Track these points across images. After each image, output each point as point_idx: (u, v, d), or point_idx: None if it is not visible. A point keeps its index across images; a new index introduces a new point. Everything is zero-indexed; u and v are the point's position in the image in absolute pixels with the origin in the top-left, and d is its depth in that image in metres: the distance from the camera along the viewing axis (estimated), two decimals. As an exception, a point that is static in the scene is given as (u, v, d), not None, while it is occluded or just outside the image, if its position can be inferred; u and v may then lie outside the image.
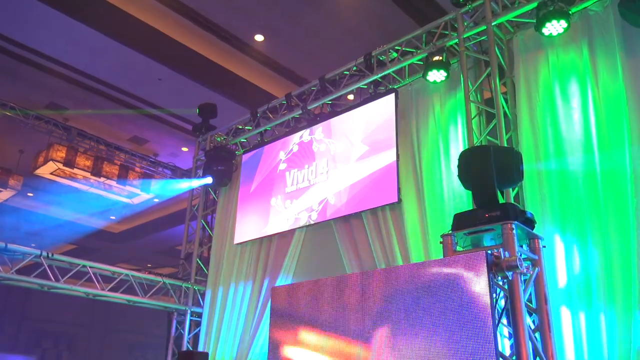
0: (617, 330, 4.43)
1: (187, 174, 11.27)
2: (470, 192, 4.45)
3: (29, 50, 9.58)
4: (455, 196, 5.96)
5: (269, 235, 8.15)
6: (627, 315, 4.41)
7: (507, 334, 4.09)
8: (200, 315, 8.82)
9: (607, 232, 4.76)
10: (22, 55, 9.70)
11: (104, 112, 11.34)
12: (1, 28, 9.06)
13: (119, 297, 8.14)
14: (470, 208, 4.69)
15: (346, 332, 3.83)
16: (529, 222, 4.01)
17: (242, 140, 9.54)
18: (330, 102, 8.07)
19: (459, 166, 4.21)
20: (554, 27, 5.55)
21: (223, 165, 9.14)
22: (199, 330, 8.73)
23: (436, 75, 6.49)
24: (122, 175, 11.82)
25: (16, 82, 10.38)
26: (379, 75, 7.35)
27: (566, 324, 4.72)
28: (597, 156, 5.06)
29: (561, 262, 4.90)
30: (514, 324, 3.43)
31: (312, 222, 7.51)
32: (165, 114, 11.56)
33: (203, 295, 8.97)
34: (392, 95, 7.07)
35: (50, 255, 7.36)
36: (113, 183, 11.79)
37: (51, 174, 11.34)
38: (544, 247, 4.15)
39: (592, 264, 4.75)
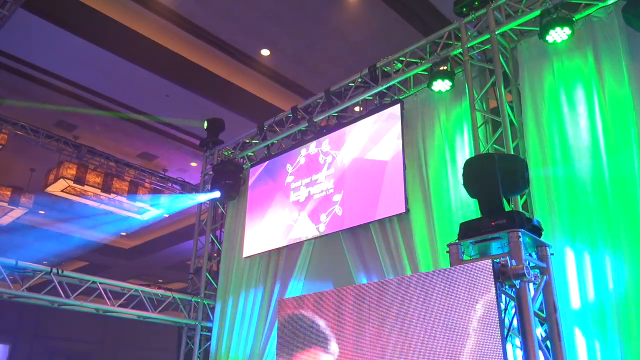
0: (630, 331, 4.36)
1: (196, 189, 11.31)
2: (477, 200, 4.42)
3: (38, 69, 9.73)
4: (463, 205, 5.91)
5: (277, 248, 8.14)
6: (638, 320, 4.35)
7: (518, 344, 4.03)
8: (210, 330, 8.80)
9: (618, 237, 4.71)
10: (32, 75, 9.86)
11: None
12: (12, 49, 9.24)
13: (129, 312, 8.14)
14: (478, 217, 4.66)
15: (350, 344, 3.80)
16: (536, 230, 3.97)
17: (249, 153, 9.57)
18: (336, 114, 8.09)
19: (464, 175, 4.18)
20: (558, 35, 5.55)
21: (231, 179, 9.16)
22: (209, 345, 8.69)
23: (441, 85, 6.50)
24: (132, 191, 11.88)
25: (27, 101, 10.54)
26: (384, 87, 7.36)
27: (578, 333, 4.65)
28: (605, 162, 5.02)
29: (572, 268, 4.84)
30: (523, 332, 3.38)
31: (320, 234, 7.49)
32: (174, 129, 11.67)
33: (213, 309, 8.94)
34: (398, 106, 7.07)
35: (60, 271, 7.39)
36: (123, 199, 11.86)
37: (62, 191, 11.42)
38: (552, 254, 4.10)
39: (603, 269, 4.68)
